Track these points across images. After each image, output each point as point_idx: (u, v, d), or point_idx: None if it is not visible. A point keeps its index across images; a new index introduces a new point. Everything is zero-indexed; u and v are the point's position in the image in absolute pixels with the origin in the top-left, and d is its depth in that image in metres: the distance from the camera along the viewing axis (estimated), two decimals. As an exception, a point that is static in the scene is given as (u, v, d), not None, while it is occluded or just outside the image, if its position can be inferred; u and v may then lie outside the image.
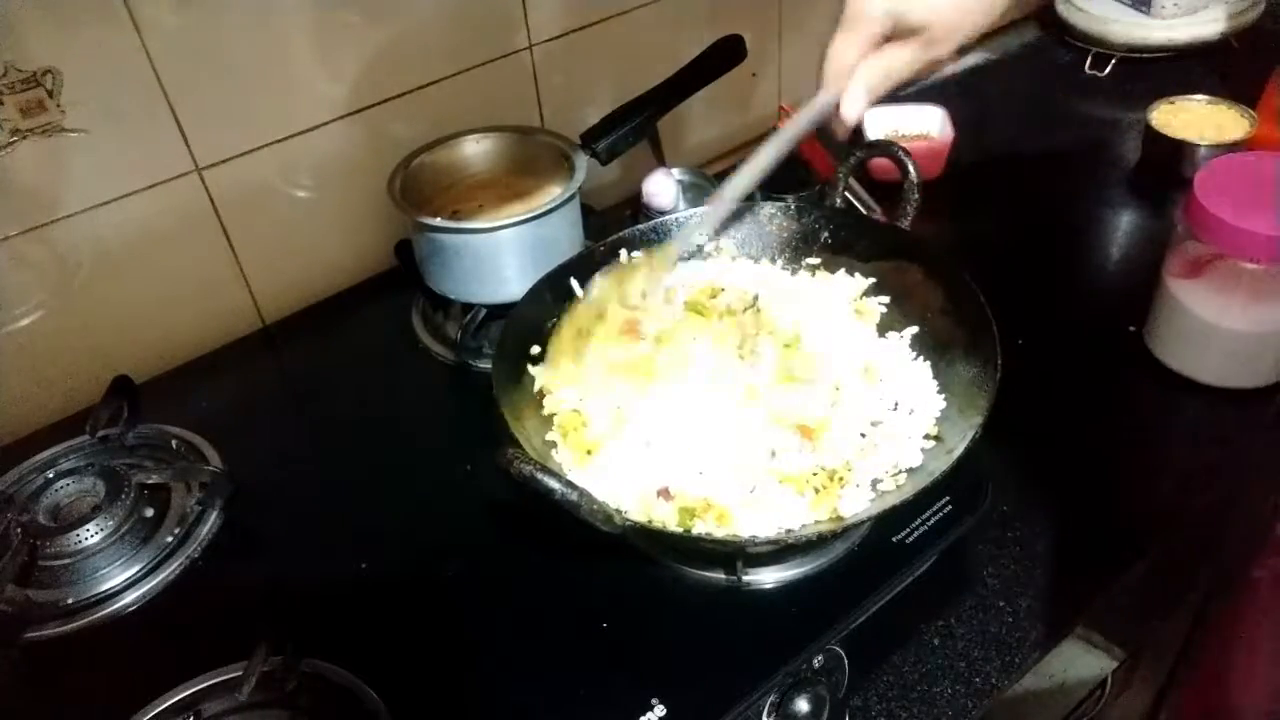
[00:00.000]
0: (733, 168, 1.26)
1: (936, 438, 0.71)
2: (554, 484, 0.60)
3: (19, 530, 0.76)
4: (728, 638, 0.68)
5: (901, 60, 0.70)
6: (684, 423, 0.72)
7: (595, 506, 0.61)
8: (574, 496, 0.60)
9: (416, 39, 1.00)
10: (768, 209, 0.87)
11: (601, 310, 0.81)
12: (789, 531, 0.65)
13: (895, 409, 0.73)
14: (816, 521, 0.66)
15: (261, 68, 0.92)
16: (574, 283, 0.83)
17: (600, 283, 0.82)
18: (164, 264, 0.95)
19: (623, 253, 0.86)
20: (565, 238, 0.93)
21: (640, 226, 0.87)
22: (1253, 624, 0.85)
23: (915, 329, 0.79)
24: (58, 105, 0.83)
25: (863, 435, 0.72)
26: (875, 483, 0.68)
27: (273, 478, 0.85)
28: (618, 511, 0.63)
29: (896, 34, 0.70)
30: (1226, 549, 0.96)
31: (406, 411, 0.92)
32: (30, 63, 0.80)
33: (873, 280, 0.83)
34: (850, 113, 0.72)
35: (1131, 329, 0.95)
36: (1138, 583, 0.79)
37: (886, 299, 0.82)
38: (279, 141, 0.96)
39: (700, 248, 0.88)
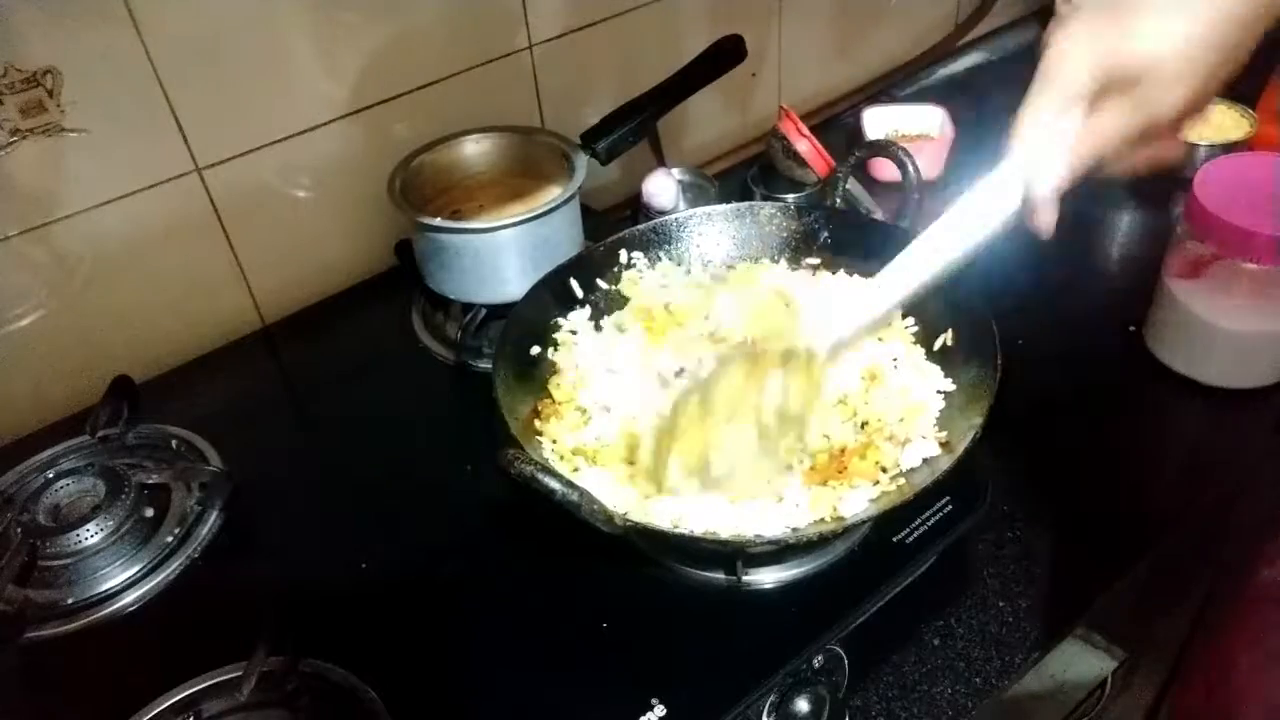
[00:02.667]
0: (733, 168, 1.28)
1: (936, 438, 0.70)
2: (554, 484, 0.60)
3: (19, 530, 0.76)
4: (728, 638, 0.68)
5: (1111, 125, 0.53)
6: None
7: (595, 507, 0.61)
8: (574, 497, 0.60)
9: (416, 39, 1.00)
10: (768, 209, 0.87)
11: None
12: (794, 530, 0.65)
13: (895, 408, 0.73)
14: (817, 521, 0.66)
15: (261, 68, 0.92)
16: (574, 283, 0.83)
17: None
18: (164, 264, 0.95)
19: (623, 254, 0.85)
20: (565, 238, 0.93)
21: (640, 226, 0.87)
22: (1260, 630, 0.85)
23: (915, 329, 0.79)
24: (58, 105, 0.83)
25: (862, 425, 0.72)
26: (875, 483, 0.68)
27: (273, 478, 0.85)
28: (618, 512, 0.63)
29: (1107, 92, 0.53)
30: (1227, 549, 0.96)
31: (406, 411, 0.92)
32: (30, 63, 0.80)
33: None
34: (1044, 190, 0.56)
35: (1131, 329, 0.95)
36: (1138, 583, 0.79)
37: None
38: (279, 141, 0.96)
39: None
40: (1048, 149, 0.55)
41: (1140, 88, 0.52)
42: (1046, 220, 0.57)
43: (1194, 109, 0.53)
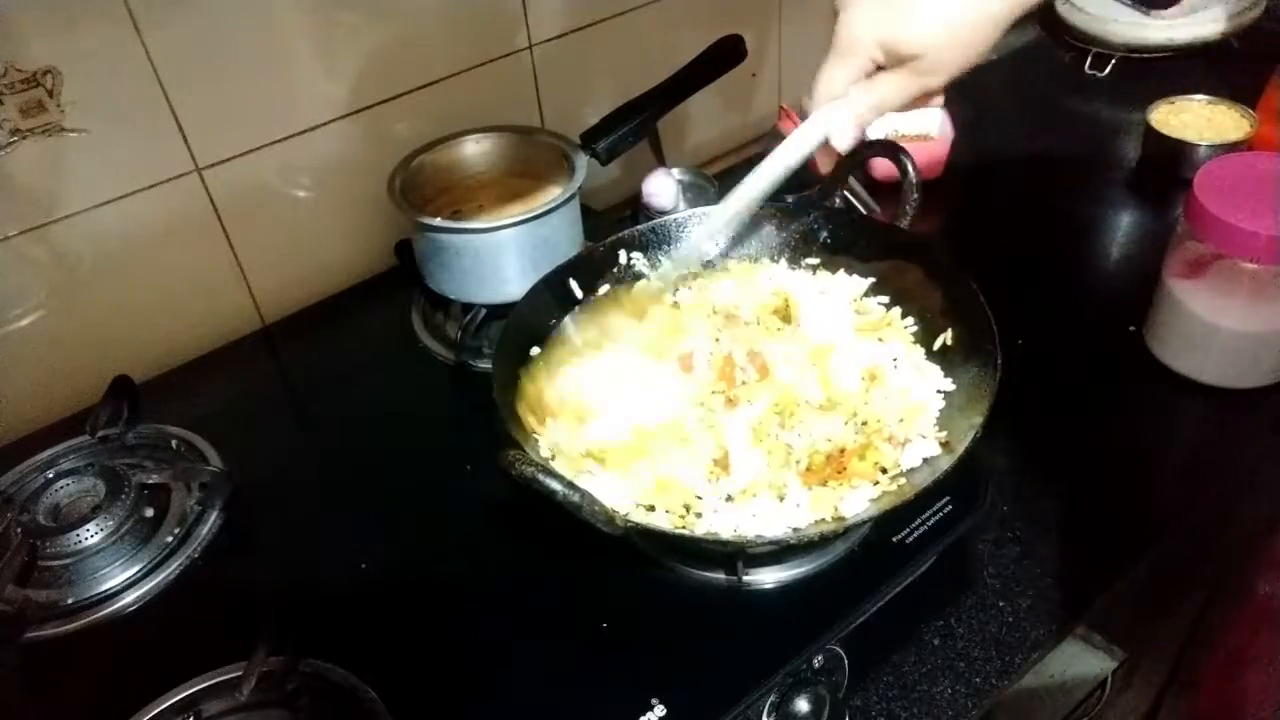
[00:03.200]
0: (733, 168, 1.28)
1: (936, 438, 0.70)
2: (555, 485, 0.60)
3: (19, 530, 0.76)
4: (728, 638, 0.68)
5: (893, 89, 0.67)
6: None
7: (596, 508, 0.61)
8: (575, 498, 0.60)
9: (416, 39, 1.00)
10: (767, 209, 0.87)
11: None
12: (794, 530, 0.65)
13: (895, 408, 0.73)
14: (818, 521, 0.66)
15: (261, 68, 0.92)
16: (573, 283, 0.83)
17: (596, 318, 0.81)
18: (164, 264, 0.95)
19: (623, 254, 0.86)
20: (565, 238, 0.93)
21: (640, 226, 0.87)
22: (1266, 641, 0.84)
23: (915, 329, 0.79)
24: (58, 105, 0.83)
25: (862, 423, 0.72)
26: (875, 483, 0.68)
27: (273, 478, 0.85)
28: (619, 513, 0.63)
29: (888, 62, 0.67)
30: (1226, 549, 0.96)
31: (406, 411, 0.92)
32: (30, 63, 0.80)
33: (873, 280, 0.83)
34: (841, 144, 0.70)
35: (1131, 329, 0.95)
36: (1138, 583, 0.79)
37: (886, 299, 0.82)
38: (279, 141, 0.96)
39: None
40: (840, 111, 0.69)
41: (917, 63, 0.65)
42: (837, 157, 0.74)
43: (961, 73, 0.66)
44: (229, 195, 0.96)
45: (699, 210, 0.88)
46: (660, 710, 0.63)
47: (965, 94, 1.38)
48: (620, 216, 1.15)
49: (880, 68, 0.68)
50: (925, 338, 0.78)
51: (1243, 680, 0.85)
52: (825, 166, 0.74)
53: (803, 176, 1.10)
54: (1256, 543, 0.98)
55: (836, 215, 0.88)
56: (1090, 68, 1.40)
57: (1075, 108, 1.37)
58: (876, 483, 0.68)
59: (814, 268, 0.86)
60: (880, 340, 0.78)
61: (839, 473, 0.68)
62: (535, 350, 0.79)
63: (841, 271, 0.85)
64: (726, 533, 0.65)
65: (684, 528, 0.66)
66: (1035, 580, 0.76)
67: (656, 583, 0.72)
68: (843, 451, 0.70)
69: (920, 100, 0.69)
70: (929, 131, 1.25)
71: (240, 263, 1.00)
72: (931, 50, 0.64)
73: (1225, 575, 1.00)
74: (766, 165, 0.75)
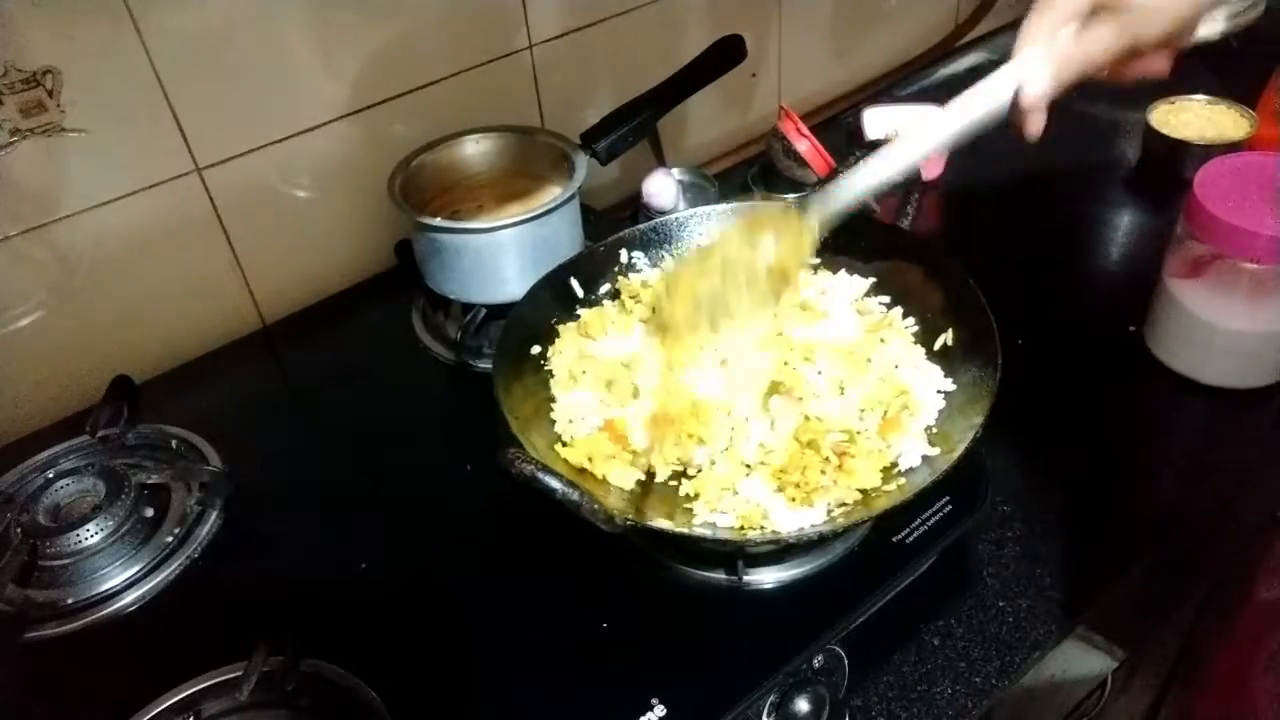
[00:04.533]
0: (733, 168, 1.28)
1: (937, 438, 0.70)
2: (555, 484, 0.60)
3: (19, 530, 0.76)
4: (728, 638, 0.68)
5: (1099, 43, 0.60)
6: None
7: (596, 506, 0.61)
8: (575, 496, 0.60)
9: (416, 39, 1.00)
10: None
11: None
12: (800, 530, 0.65)
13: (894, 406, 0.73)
14: (831, 519, 0.66)
15: (261, 68, 0.92)
16: (574, 283, 0.83)
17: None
18: (164, 264, 0.95)
19: (623, 254, 0.86)
20: (565, 238, 0.93)
21: (640, 226, 0.87)
22: (1271, 642, 0.84)
23: (915, 329, 0.79)
24: (58, 105, 0.83)
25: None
26: (875, 484, 0.68)
27: (273, 478, 0.85)
28: (619, 511, 0.63)
29: (1098, 11, 0.60)
30: (1226, 549, 0.96)
31: (406, 411, 0.92)
32: (30, 63, 0.80)
33: (873, 280, 0.83)
34: (1033, 92, 0.62)
35: (1131, 329, 0.95)
36: (1138, 583, 0.79)
37: (887, 299, 0.82)
38: (279, 141, 0.96)
39: None
40: (1040, 60, 0.62)
41: (1128, 14, 0.59)
42: (1034, 124, 0.64)
43: (1178, 35, 0.60)
44: (229, 195, 0.96)
45: (699, 210, 0.88)
46: (660, 710, 0.63)
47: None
48: (620, 216, 1.15)
49: (1091, 19, 0.61)
50: (925, 338, 0.78)
51: (1247, 682, 0.85)
52: (1029, 129, 0.64)
53: (802, 176, 1.11)
54: (1257, 543, 0.98)
55: (836, 215, 0.88)
56: (1090, 68, 1.40)
57: (1075, 108, 1.36)
58: (877, 484, 0.68)
59: (814, 268, 0.86)
60: (883, 341, 0.78)
61: (838, 468, 0.68)
62: (535, 350, 0.80)
63: (842, 271, 0.85)
64: (726, 531, 0.65)
65: (684, 527, 0.66)
66: (1035, 580, 0.76)
67: (656, 582, 0.72)
68: (844, 449, 0.70)
69: (1131, 64, 0.63)
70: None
71: (240, 263, 1.00)
72: (1141, 1, 0.59)
73: (1225, 575, 1.00)
74: (945, 118, 0.65)
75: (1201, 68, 1.34)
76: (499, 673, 0.68)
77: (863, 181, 0.69)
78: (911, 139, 0.67)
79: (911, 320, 0.80)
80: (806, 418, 0.72)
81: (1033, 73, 0.61)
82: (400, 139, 0.99)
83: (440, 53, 1.03)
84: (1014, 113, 0.63)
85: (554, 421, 0.76)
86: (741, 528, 0.66)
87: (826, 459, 0.69)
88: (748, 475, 0.69)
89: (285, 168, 0.98)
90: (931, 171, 1.20)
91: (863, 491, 0.68)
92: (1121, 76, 0.64)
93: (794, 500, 0.67)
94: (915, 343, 0.78)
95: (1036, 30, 0.62)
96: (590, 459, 0.71)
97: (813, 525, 0.65)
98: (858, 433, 0.71)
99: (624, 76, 1.08)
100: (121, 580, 0.76)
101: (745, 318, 0.73)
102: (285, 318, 1.05)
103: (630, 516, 0.64)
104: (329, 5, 0.93)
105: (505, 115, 1.03)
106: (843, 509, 0.67)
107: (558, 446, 0.73)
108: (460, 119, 1.00)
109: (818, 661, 0.67)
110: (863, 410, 0.72)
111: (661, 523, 0.66)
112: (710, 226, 0.87)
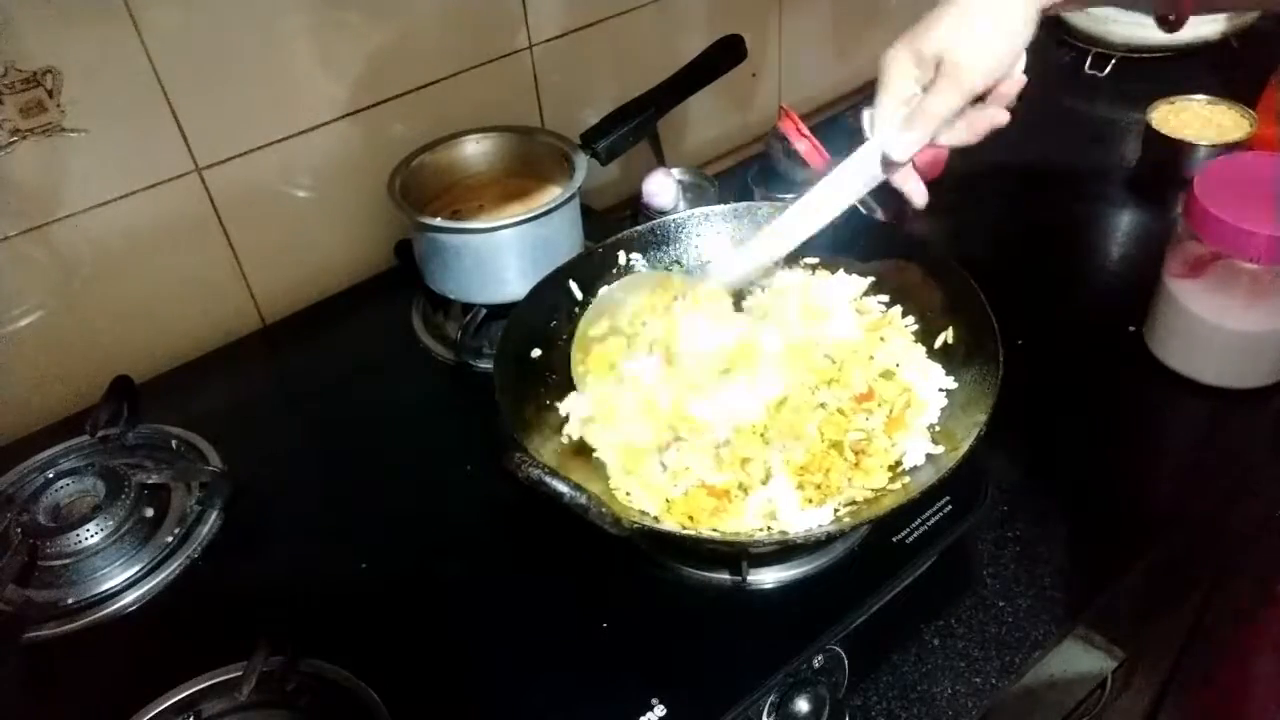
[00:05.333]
0: (733, 168, 1.28)
1: (940, 436, 0.70)
2: (562, 487, 0.60)
3: (19, 530, 0.76)
4: (727, 638, 0.68)
5: (940, 101, 0.69)
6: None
7: (603, 509, 0.61)
8: (582, 499, 0.60)
9: (416, 39, 1.00)
10: (766, 209, 0.87)
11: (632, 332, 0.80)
12: (808, 531, 0.64)
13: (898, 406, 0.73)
14: (837, 519, 0.66)
15: (261, 68, 0.92)
16: (573, 284, 0.83)
17: (623, 296, 0.81)
18: (164, 264, 0.95)
19: (622, 255, 0.86)
20: (565, 238, 0.93)
21: (640, 227, 0.87)
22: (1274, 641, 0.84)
23: (915, 328, 0.79)
24: (58, 105, 0.83)
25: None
26: (875, 484, 0.68)
27: (273, 478, 0.85)
28: (625, 514, 0.63)
29: (927, 80, 0.70)
30: (1226, 549, 0.96)
31: (406, 412, 0.92)
32: (30, 63, 0.80)
33: (872, 280, 0.83)
34: (897, 157, 0.72)
35: (1131, 329, 0.95)
36: (1138, 583, 0.79)
37: (886, 298, 0.82)
38: (279, 141, 0.96)
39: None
40: (895, 130, 0.71)
41: (946, 67, 0.68)
42: (914, 187, 0.75)
43: (996, 77, 0.69)
44: (229, 195, 0.96)
45: (699, 210, 0.88)
46: (660, 710, 0.63)
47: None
48: (620, 216, 1.16)
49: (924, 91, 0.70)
50: (925, 337, 0.78)
51: (1251, 683, 0.85)
52: (897, 180, 0.74)
53: (801, 176, 1.11)
54: (1256, 542, 0.97)
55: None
56: (1090, 68, 1.40)
57: (1075, 108, 1.37)
58: (878, 484, 0.68)
59: (813, 267, 0.86)
60: (882, 340, 0.78)
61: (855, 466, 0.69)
62: (536, 351, 0.79)
63: (841, 271, 0.85)
64: (729, 533, 0.65)
65: (693, 530, 0.66)
66: (1035, 580, 0.76)
67: (657, 582, 0.72)
68: (868, 438, 0.70)
69: (976, 115, 0.71)
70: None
71: (240, 263, 1.00)
72: (951, 52, 0.68)
73: (1225, 575, 1.00)
74: (818, 193, 0.76)
75: (1201, 68, 1.35)
76: (499, 673, 0.68)
77: (754, 257, 0.80)
78: (797, 215, 0.77)
79: (911, 319, 0.80)
80: (831, 409, 0.72)
81: (892, 140, 0.71)
82: (400, 139, 0.99)
83: (440, 53, 1.03)
84: (889, 176, 0.74)
85: (565, 420, 0.76)
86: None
87: (846, 459, 0.69)
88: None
89: (285, 168, 0.98)
90: (931, 172, 1.20)
91: (870, 490, 0.68)
92: (974, 133, 0.72)
93: (810, 501, 0.67)
94: (915, 341, 0.78)
95: (886, 111, 0.71)
96: (691, 517, 0.68)
97: (820, 525, 0.65)
98: (871, 430, 0.71)
99: (624, 76, 1.08)
100: (121, 580, 0.76)
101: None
102: (285, 318, 1.05)
103: (637, 520, 0.64)
104: (329, 5, 0.93)
105: (505, 115, 1.03)
106: (849, 509, 0.67)
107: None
108: (460, 119, 1.00)
109: (818, 661, 0.67)
110: (870, 409, 0.72)
111: (669, 526, 0.66)
112: (710, 227, 0.87)
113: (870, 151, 0.73)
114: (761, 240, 0.80)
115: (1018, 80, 0.72)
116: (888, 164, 0.73)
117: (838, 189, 0.76)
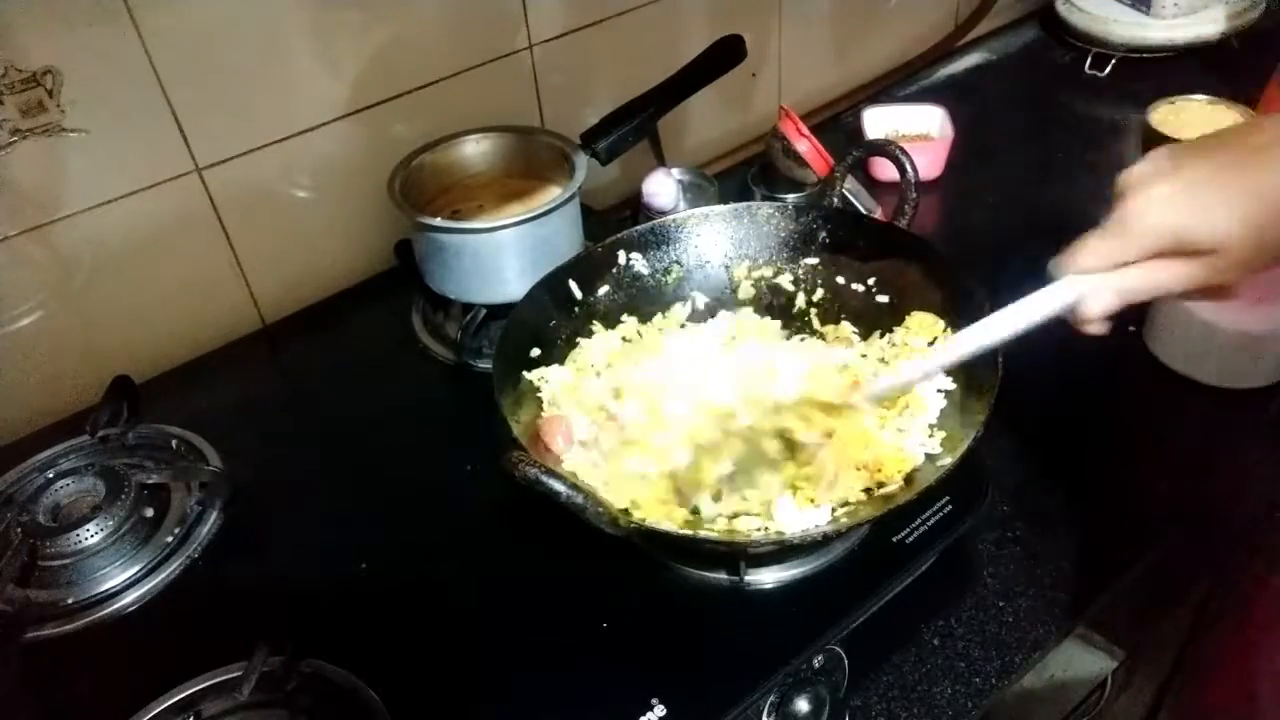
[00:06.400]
0: (733, 168, 1.28)
1: (937, 438, 0.70)
2: (559, 486, 0.60)
3: (19, 530, 0.76)
4: (728, 637, 0.68)
5: (1174, 277, 0.57)
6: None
7: (600, 510, 0.61)
8: (579, 499, 0.60)
9: (416, 39, 1.00)
10: (766, 209, 0.87)
11: None
12: (805, 531, 0.64)
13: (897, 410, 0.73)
14: (834, 520, 0.66)
15: (261, 67, 0.92)
16: (573, 284, 0.83)
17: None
18: (164, 264, 0.95)
19: (622, 255, 0.86)
20: (565, 238, 0.93)
21: (640, 227, 0.87)
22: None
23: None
24: (58, 105, 0.83)
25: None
26: (880, 483, 0.68)
27: (273, 478, 0.85)
28: (623, 514, 0.63)
29: (1173, 252, 0.56)
30: (1226, 549, 0.96)
31: (406, 412, 0.92)
32: (30, 63, 0.80)
33: (872, 280, 0.83)
34: (1092, 312, 0.59)
35: (1131, 329, 0.95)
36: (1138, 583, 0.79)
37: (885, 298, 0.82)
38: (279, 141, 0.96)
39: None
40: (1104, 281, 0.58)
41: (1212, 258, 0.55)
42: (1095, 329, 0.61)
43: (1253, 273, 0.57)
44: (229, 195, 0.96)
45: (699, 210, 0.88)
46: (660, 710, 0.63)
47: (965, 94, 1.39)
48: (620, 216, 1.15)
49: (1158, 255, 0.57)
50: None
51: (1252, 683, 0.85)
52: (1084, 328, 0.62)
53: (801, 176, 1.11)
54: (1256, 542, 0.97)
55: (835, 215, 0.88)
56: (1090, 68, 1.40)
57: (1075, 108, 1.37)
58: (879, 484, 0.68)
59: (813, 267, 0.86)
60: (882, 338, 0.78)
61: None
62: (535, 351, 0.79)
63: (840, 274, 0.85)
64: (727, 533, 0.65)
65: (690, 530, 0.66)
66: (1035, 580, 0.76)
67: (657, 583, 0.72)
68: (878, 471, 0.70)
69: (1206, 293, 0.59)
70: (929, 131, 1.25)
71: (240, 263, 1.00)
72: (1232, 248, 0.54)
73: (1225, 575, 1.00)
74: (997, 320, 0.64)
75: (1201, 68, 1.35)
76: (499, 673, 0.68)
77: (913, 372, 0.69)
78: (962, 343, 0.66)
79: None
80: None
81: (1096, 294, 0.58)
82: (400, 139, 0.99)
83: (440, 53, 1.03)
84: (1074, 319, 0.61)
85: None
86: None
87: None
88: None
89: (285, 168, 0.98)
90: (931, 171, 1.20)
91: (867, 490, 0.68)
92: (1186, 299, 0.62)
93: (810, 500, 0.67)
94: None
95: (1100, 257, 0.58)
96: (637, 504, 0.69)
97: (817, 526, 0.65)
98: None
99: (624, 76, 1.08)
100: (121, 580, 0.76)
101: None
102: (285, 318, 1.05)
103: (634, 520, 0.64)
104: (329, 5, 0.93)
105: (505, 115, 1.03)
106: (846, 509, 0.67)
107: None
108: (460, 119, 1.00)
109: (818, 661, 0.67)
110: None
111: (667, 526, 0.66)
112: (710, 227, 0.87)
113: (1059, 295, 0.61)
114: (921, 361, 0.70)
115: None
116: (1073, 314, 0.61)
117: (1012, 320, 0.64)
